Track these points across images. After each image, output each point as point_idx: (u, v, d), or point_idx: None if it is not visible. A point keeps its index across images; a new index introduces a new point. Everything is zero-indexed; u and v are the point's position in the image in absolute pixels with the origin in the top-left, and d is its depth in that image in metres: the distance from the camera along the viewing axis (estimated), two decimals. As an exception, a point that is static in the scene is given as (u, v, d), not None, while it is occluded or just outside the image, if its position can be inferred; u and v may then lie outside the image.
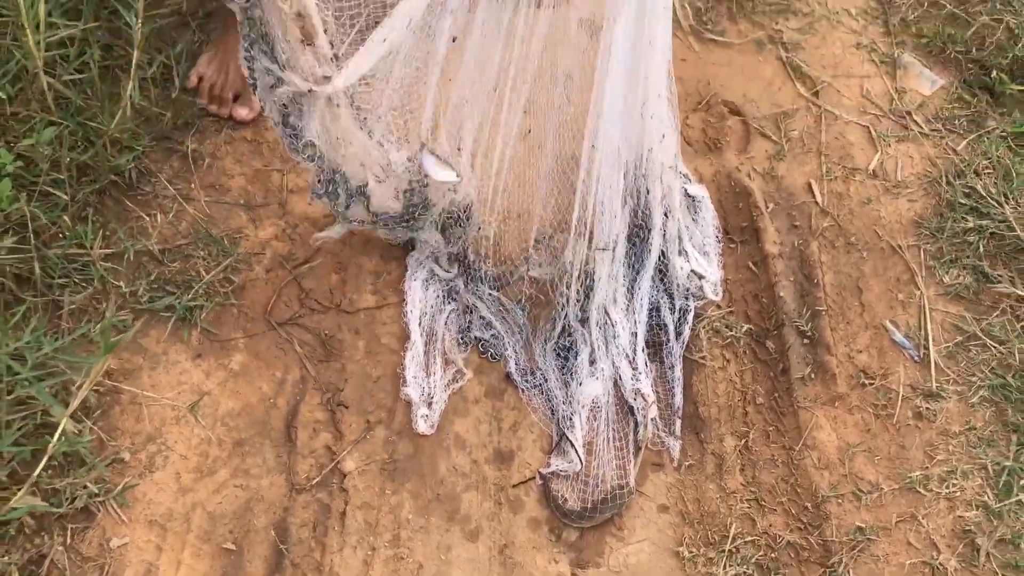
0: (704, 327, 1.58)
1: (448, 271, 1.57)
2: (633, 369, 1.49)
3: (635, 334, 1.52)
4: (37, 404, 1.32)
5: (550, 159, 1.45)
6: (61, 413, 1.26)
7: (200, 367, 1.50)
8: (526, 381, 1.50)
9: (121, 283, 1.53)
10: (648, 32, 1.29)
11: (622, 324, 1.50)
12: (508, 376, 1.53)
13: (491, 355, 1.53)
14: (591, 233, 1.44)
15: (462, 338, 1.55)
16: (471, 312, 1.56)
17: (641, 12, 1.27)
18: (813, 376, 1.53)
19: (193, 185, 1.67)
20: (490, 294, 1.56)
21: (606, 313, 1.50)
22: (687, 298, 1.58)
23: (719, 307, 1.61)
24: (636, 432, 1.46)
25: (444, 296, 1.56)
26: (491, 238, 1.53)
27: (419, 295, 1.54)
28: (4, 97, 1.53)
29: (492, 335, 1.54)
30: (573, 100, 1.39)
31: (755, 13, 2.06)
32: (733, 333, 1.58)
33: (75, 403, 1.28)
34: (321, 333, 1.55)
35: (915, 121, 1.91)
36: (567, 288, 1.49)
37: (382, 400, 1.50)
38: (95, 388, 1.40)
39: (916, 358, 1.56)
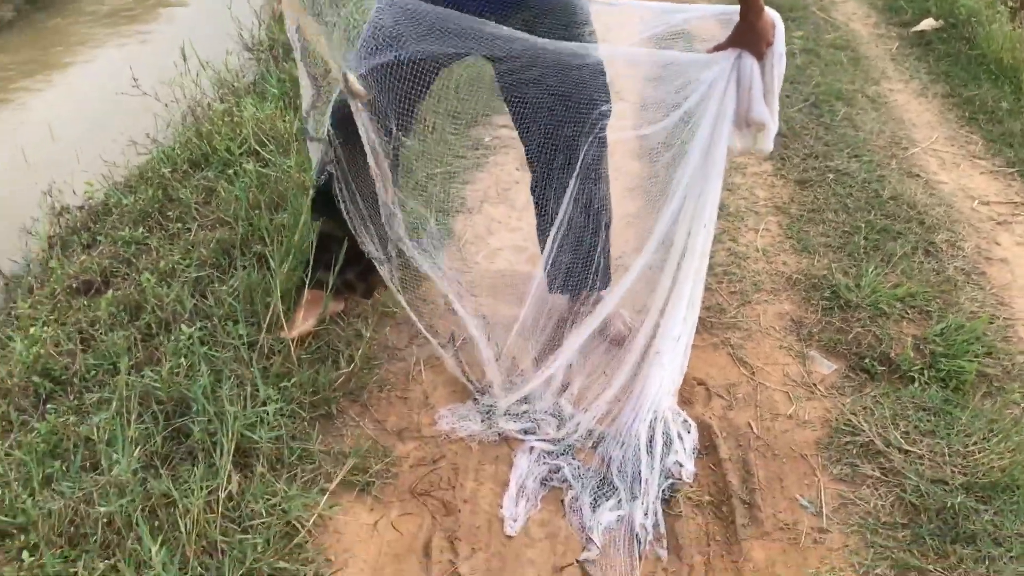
0: (683, 496, 2.55)
1: (551, 446, 2.64)
2: (645, 515, 2.45)
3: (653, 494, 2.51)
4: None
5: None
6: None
7: (373, 514, 2.48)
8: (572, 507, 2.47)
9: (331, 468, 2.57)
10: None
11: (646, 487, 2.50)
12: (562, 502, 2.50)
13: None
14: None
15: (543, 485, 2.55)
16: (557, 471, 2.57)
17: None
18: (748, 524, 2.46)
19: (367, 418, 2.78)
20: (576, 461, 2.62)
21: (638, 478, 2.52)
22: (667, 477, 2.57)
23: (691, 486, 2.59)
24: (639, 547, 2.38)
25: (537, 460, 2.58)
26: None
27: (523, 462, 2.59)
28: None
29: (565, 485, 2.55)
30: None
31: (713, 328, 3.25)
32: (701, 499, 2.54)
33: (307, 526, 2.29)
34: (443, 500, 2.54)
35: (818, 389, 2.98)
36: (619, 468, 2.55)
37: (482, 536, 2.44)
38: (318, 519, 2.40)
39: (815, 513, 2.49)
